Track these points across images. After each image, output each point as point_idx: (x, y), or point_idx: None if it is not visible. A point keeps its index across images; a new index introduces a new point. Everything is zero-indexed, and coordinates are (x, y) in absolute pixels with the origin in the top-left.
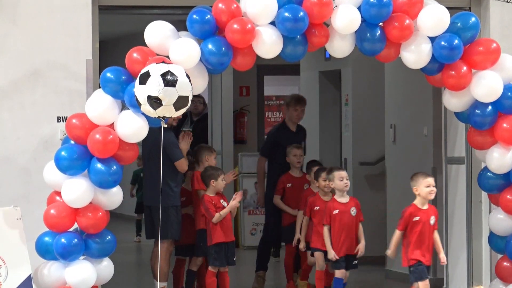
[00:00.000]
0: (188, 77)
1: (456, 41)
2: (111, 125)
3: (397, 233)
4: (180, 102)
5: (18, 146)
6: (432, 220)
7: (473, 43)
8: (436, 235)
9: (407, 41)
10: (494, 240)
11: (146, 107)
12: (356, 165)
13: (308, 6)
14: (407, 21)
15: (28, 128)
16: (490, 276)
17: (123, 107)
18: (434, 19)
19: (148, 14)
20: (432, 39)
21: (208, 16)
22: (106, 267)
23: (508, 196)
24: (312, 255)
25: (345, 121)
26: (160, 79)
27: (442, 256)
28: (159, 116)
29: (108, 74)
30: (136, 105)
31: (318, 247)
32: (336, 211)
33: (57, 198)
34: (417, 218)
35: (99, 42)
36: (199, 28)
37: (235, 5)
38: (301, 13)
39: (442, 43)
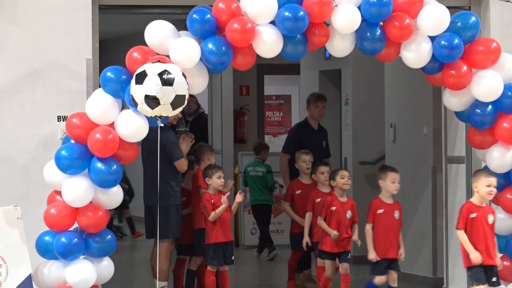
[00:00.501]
0: (184, 76)
1: (456, 41)
2: (111, 125)
3: (462, 233)
4: (177, 101)
5: (18, 146)
6: (490, 218)
7: (473, 42)
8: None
9: (407, 40)
10: None
11: (143, 107)
12: (356, 165)
13: (308, 6)
14: (407, 21)
15: (28, 127)
16: None
17: (123, 107)
18: (434, 18)
19: (148, 14)
20: (432, 38)
21: (208, 15)
22: (106, 267)
23: (508, 196)
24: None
25: (345, 121)
26: (158, 78)
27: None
28: (156, 116)
29: (109, 74)
30: None
31: (326, 250)
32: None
33: (57, 197)
34: (474, 215)
35: (99, 41)
36: (199, 28)
37: (235, 5)
38: (301, 13)
39: (442, 42)
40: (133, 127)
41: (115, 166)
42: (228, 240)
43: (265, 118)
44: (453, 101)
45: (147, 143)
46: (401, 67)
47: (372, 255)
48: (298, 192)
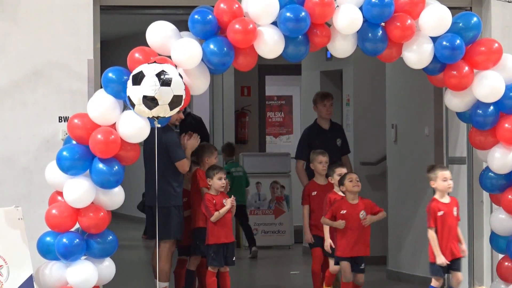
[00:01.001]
0: (181, 76)
1: (458, 41)
2: (113, 125)
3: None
4: (175, 101)
5: (19, 146)
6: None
7: (475, 43)
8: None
9: (409, 41)
10: (496, 240)
11: (140, 108)
12: (357, 165)
13: (310, 6)
14: (409, 21)
15: (30, 128)
16: (492, 276)
17: (125, 107)
18: (436, 19)
19: (150, 14)
20: (434, 39)
21: (210, 16)
22: (108, 267)
23: (509, 196)
24: (336, 263)
25: (346, 121)
26: (156, 79)
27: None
28: (153, 116)
29: (110, 74)
30: None
31: (344, 256)
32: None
33: (59, 198)
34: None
35: (100, 42)
36: (201, 28)
37: (236, 5)
38: (303, 13)
39: (444, 43)
40: (134, 127)
41: (116, 167)
42: (229, 241)
43: (266, 119)
44: (454, 101)
45: (149, 144)
46: (402, 68)
47: (441, 260)
48: (314, 193)
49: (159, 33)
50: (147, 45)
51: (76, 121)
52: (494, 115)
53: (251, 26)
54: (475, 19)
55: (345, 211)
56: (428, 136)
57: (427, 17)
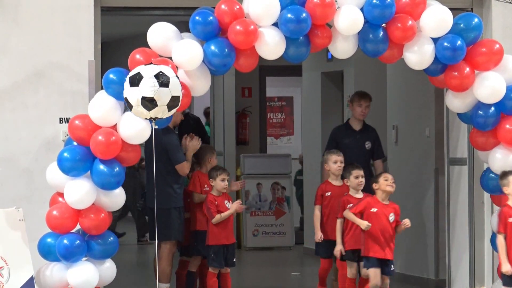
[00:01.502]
0: (177, 77)
1: (459, 42)
2: (114, 127)
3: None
4: (172, 102)
5: (20, 147)
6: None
7: (476, 44)
8: None
9: (410, 42)
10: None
11: (138, 109)
12: None
13: (311, 7)
14: (410, 22)
15: (31, 129)
16: (493, 277)
17: (126, 109)
18: (437, 20)
19: (151, 15)
20: (435, 40)
21: (211, 17)
22: (109, 269)
23: None
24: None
25: None
26: (154, 79)
27: None
28: (151, 117)
29: (111, 76)
30: None
31: (373, 257)
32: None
33: (60, 199)
34: (374, 210)
35: (101, 43)
36: (202, 30)
37: (237, 6)
38: (304, 14)
39: (445, 44)
40: (135, 129)
41: (117, 168)
42: (230, 243)
43: (267, 120)
44: (455, 102)
45: (150, 145)
46: (403, 69)
47: (506, 268)
48: (327, 194)
49: (160, 34)
50: (148, 46)
51: (77, 122)
52: (495, 116)
53: (252, 27)
54: (476, 20)
55: (376, 209)
56: (429, 137)
57: (428, 18)
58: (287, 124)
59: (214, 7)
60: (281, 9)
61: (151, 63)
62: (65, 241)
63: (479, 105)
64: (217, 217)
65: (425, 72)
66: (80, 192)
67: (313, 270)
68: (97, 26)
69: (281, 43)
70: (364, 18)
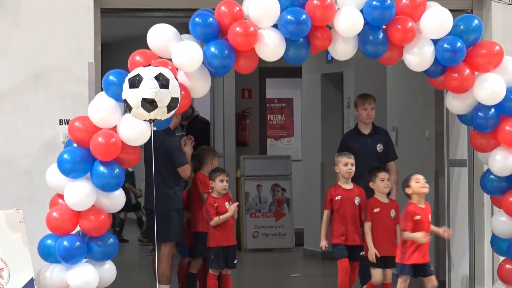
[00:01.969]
0: (176, 79)
1: (459, 44)
2: (114, 128)
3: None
4: (172, 103)
5: (20, 149)
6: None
7: (476, 45)
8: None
9: (410, 43)
10: (497, 242)
11: (138, 111)
12: None
13: (311, 9)
14: (410, 24)
15: (31, 130)
16: (493, 279)
17: (126, 110)
18: (437, 21)
19: (151, 17)
20: (435, 41)
21: (211, 19)
22: (109, 270)
23: (510, 199)
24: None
25: (347, 124)
26: (155, 81)
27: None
28: (151, 119)
29: (111, 77)
30: None
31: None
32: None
33: (60, 201)
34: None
35: (101, 45)
36: (202, 31)
37: (237, 8)
38: (304, 16)
39: (445, 45)
40: (135, 130)
41: (117, 170)
42: (231, 244)
43: (267, 122)
44: (455, 104)
45: (150, 147)
46: (403, 70)
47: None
48: (337, 198)
49: (160, 36)
50: (148, 48)
51: (77, 124)
52: (495, 117)
53: (252, 29)
54: (476, 21)
55: (419, 217)
56: (429, 139)
57: (428, 20)
58: (287, 125)
59: (214, 9)
60: (281, 11)
61: (149, 64)
62: (65, 243)
63: (479, 107)
64: (215, 220)
65: (425, 73)
66: (80, 193)
67: (313, 272)
68: (97, 28)
69: (281, 44)
70: (364, 19)
